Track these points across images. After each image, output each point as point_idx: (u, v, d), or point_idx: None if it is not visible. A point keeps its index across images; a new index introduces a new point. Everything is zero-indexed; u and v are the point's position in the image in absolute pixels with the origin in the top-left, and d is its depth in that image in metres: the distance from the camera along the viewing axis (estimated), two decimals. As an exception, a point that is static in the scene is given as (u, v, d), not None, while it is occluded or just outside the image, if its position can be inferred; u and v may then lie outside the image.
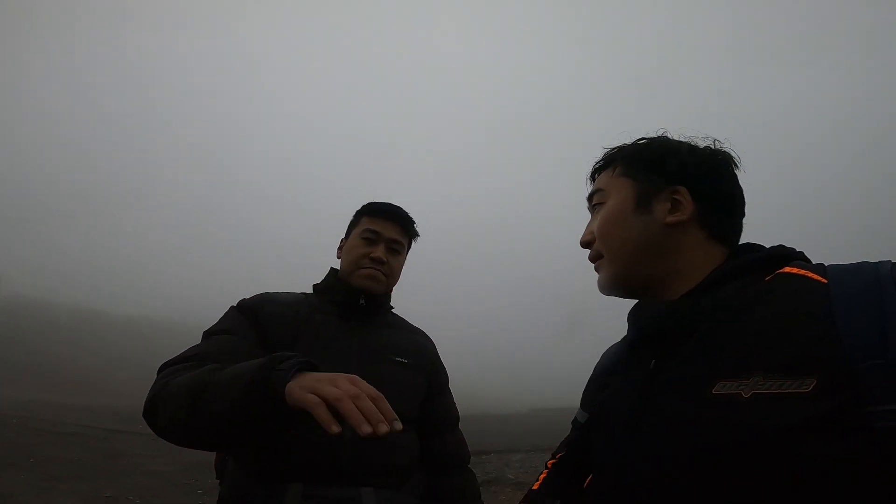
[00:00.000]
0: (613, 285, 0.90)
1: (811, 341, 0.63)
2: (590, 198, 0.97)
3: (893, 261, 0.66)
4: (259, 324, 1.40)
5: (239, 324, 1.40)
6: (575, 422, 1.05)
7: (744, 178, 0.89)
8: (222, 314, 1.48)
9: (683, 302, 0.80)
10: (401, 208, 1.63)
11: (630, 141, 0.95)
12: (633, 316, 0.92)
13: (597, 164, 0.99)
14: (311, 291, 1.63)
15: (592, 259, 0.94)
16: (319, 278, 1.64)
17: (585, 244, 0.96)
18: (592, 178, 0.99)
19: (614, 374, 0.95)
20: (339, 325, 1.48)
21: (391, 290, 1.65)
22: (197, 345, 1.34)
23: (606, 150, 0.97)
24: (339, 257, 1.64)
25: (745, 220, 0.89)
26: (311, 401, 0.82)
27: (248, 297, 1.52)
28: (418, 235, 1.69)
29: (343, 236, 1.67)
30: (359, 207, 1.65)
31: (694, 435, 0.68)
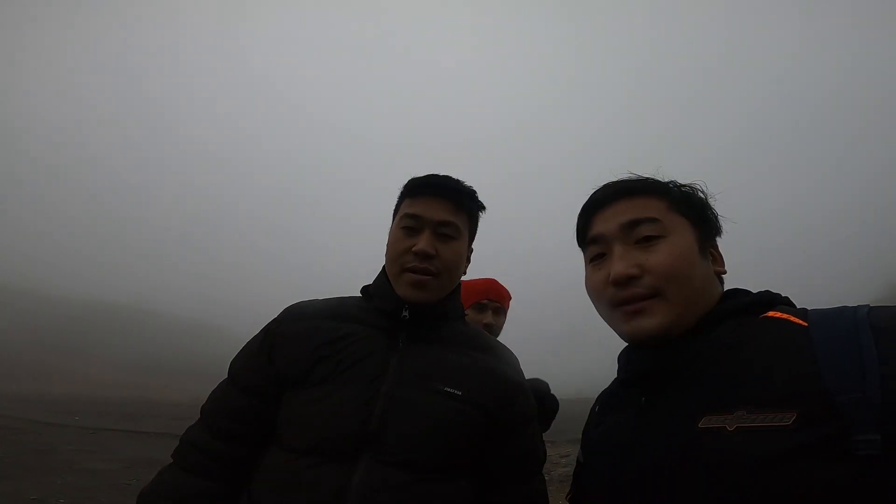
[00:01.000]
0: (667, 330, 0.84)
1: (792, 379, 0.68)
2: (634, 223, 0.88)
3: (871, 304, 0.73)
4: (273, 352, 1.22)
5: (251, 365, 1.24)
6: (577, 462, 1.05)
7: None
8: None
9: (675, 343, 0.84)
10: (449, 178, 1.27)
11: (657, 176, 0.95)
12: (625, 357, 0.95)
13: (634, 183, 0.94)
14: (360, 294, 1.37)
15: (641, 297, 0.85)
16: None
17: (629, 279, 0.85)
18: (616, 197, 0.93)
19: (608, 413, 0.98)
20: (379, 339, 1.19)
21: (454, 290, 1.30)
22: (212, 397, 1.26)
23: (636, 177, 0.95)
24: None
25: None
26: None
27: (278, 313, 1.30)
28: (483, 208, 1.33)
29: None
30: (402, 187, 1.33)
31: (682, 467, 0.73)
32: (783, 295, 0.86)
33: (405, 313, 1.20)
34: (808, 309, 0.78)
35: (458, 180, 1.28)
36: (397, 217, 1.26)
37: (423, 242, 1.18)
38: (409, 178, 1.29)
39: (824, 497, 0.62)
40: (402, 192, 1.30)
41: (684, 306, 0.84)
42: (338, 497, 1.00)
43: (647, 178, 0.95)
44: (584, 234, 0.98)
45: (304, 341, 1.18)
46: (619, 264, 0.87)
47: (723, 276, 0.91)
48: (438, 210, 1.21)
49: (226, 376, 1.28)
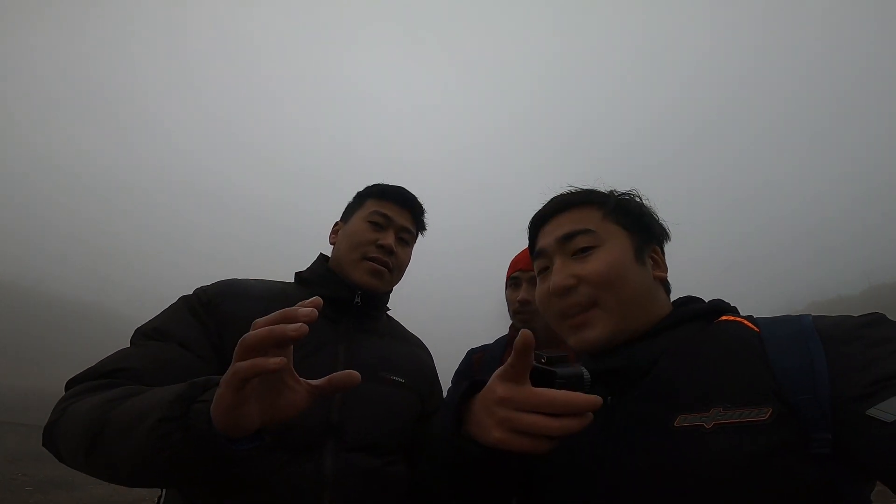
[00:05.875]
0: (610, 340, 0.86)
1: (759, 376, 0.71)
2: (570, 236, 0.91)
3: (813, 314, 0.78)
4: (214, 325, 1.09)
5: (183, 325, 1.09)
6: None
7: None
8: (168, 305, 1.15)
9: (639, 342, 0.85)
10: (413, 194, 1.41)
11: (598, 188, 0.98)
12: (589, 356, 0.93)
13: (572, 196, 0.96)
14: (294, 281, 1.36)
15: (583, 305, 0.87)
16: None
17: (566, 290, 0.87)
18: (556, 211, 0.96)
19: None
20: (323, 327, 1.20)
21: (392, 290, 1.40)
22: (119, 352, 1.03)
23: (576, 189, 0.97)
24: (332, 243, 1.39)
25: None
26: (235, 371, 0.64)
27: (207, 284, 1.20)
28: (426, 230, 1.46)
29: (338, 220, 1.43)
30: (361, 189, 1.42)
31: (661, 466, 0.72)
32: (732, 305, 0.90)
33: (358, 300, 1.25)
34: (755, 316, 0.83)
35: (417, 199, 1.40)
36: (364, 211, 1.33)
37: (390, 238, 1.29)
38: (376, 183, 1.39)
39: (803, 493, 0.64)
40: (365, 193, 1.38)
41: (622, 312, 0.86)
42: (314, 486, 1.02)
43: (585, 190, 0.97)
44: (532, 249, 1.01)
45: (248, 322, 1.10)
46: (557, 276, 0.89)
47: (664, 280, 0.92)
48: (404, 217, 1.35)
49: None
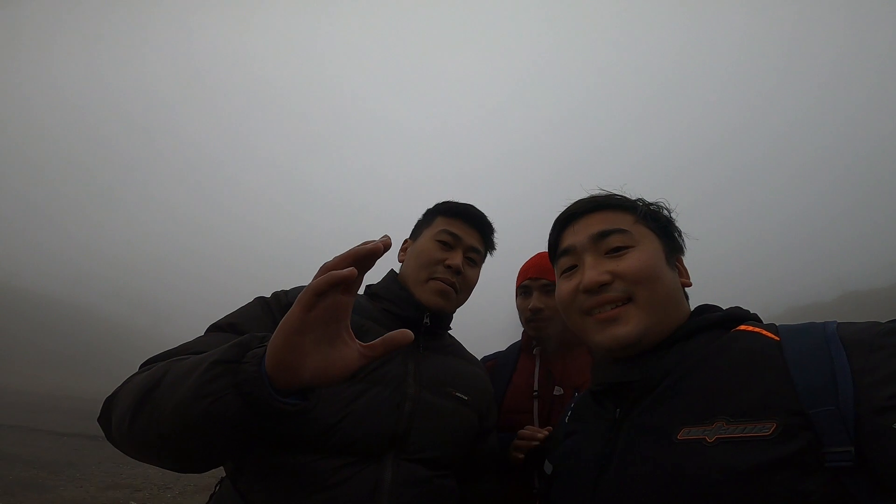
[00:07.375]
0: (640, 338, 0.85)
1: (769, 390, 0.69)
2: (604, 234, 0.92)
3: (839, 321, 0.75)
4: None
5: (257, 320, 1.10)
6: (541, 473, 1.06)
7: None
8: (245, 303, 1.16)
9: (650, 355, 0.85)
10: (483, 213, 1.41)
11: (625, 193, 1.00)
12: (598, 368, 0.95)
13: (604, 198, 0.97)
14: (364, 294, 1.38)
15: (616, 301, 0.87)
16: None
17: (601, 285, 0.88)
18: (586, 211, 0.97)
19: (580, 423, 0.99)
20: None
21: (456, 310, 1.41)
22: (193, 340, 1.04)
23: (609, 193, 0.99)
24: (400, 260, 1.42)
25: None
26: (305, 294, 0.65)
27: (287, 289, 1.22)
28: (494, 249, 1.46)
29: (408, 237, 1.46)
30: (431, 206, 1.44)
31: (662, 479, 0.72)
32: (752, 312, 0.88)
33: (427, 320, 1.27)
34: (777, 325, 0.80)
35: (488, 218, 1.40)
36: (433, 229, 1.34)
37: (458, 258, 1.30)
38: (446, 201, 1.41)
39: None
40: (434, 211, 1.40)
41: (655, 311, 0.85)
42: (373, 493, 1.00)
43: (616, 194, 0.98)
44: (556, 247, 1.01)
45: None
46: (591, 272, 0.88)
47: (687, 289, 0.94)
48: (473, 237, 1.36)
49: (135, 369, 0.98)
